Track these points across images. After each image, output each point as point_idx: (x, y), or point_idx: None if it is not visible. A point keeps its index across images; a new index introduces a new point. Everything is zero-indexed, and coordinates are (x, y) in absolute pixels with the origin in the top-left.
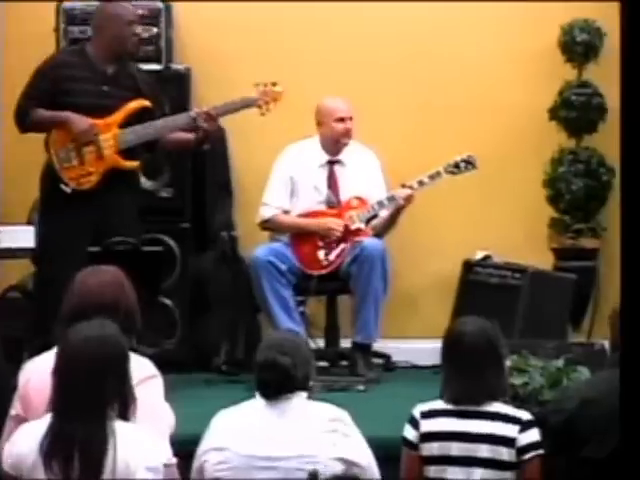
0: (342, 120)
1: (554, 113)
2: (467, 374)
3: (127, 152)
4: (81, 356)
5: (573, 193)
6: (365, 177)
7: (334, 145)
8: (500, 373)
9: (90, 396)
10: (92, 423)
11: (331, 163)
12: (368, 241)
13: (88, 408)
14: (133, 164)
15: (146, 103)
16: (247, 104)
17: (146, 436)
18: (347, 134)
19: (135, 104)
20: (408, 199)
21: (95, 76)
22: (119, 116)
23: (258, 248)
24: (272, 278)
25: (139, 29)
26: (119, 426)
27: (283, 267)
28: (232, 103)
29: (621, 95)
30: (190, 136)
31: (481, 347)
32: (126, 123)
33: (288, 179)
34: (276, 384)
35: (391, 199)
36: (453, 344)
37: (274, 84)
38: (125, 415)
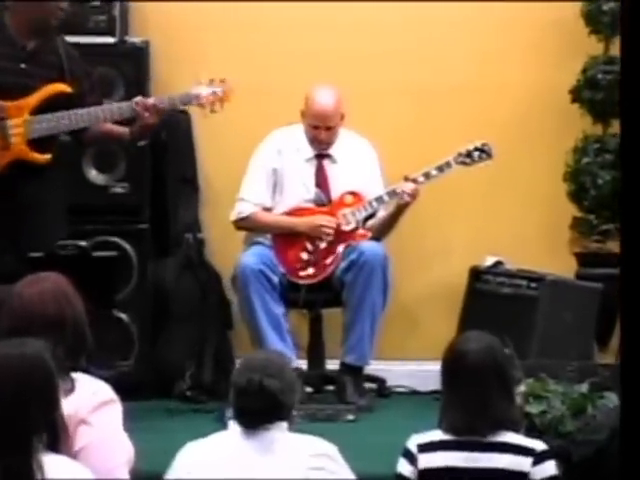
0: (316, 128)
1: (577, 94)
2: (469, 400)
3: (39, 143)
4: None
5: (599, 188)
6: (360, 172)
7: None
8: (509, 400)
9: (11, 425)
10: (14, 457)
11: (319, 157)
12: (367, 245)
13: (9, 439)
14: (43, 157)
15: (64, 88)
16: (187, 102)
17: (83, 470)
18: (318, 143)
19: (51, 89)
20: (413, 195)
21: (13, 52)
22: (32, 100)
23: (245, 254)
24: (264, 292)
25: (65, 3)
26: (49, 460)
27: (275, 279)
28: (170, 99)
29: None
30: (124, 130)
31: (486, 368)
32: (42, 108)
33: (271, 171)
34: (262, 412)
35: (392, 194)
36: (453, 364)
37: (222, 80)
38: (55, 447)
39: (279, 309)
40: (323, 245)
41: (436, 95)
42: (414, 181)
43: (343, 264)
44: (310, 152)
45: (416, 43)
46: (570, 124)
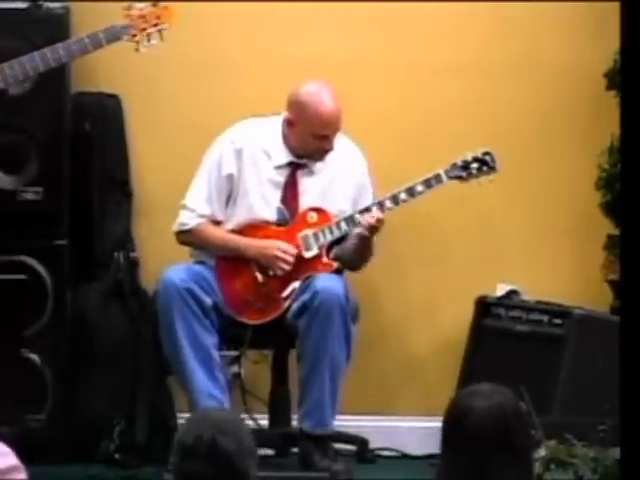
0: (324, 138)
1: (613, 79)
2: (470, 471)
3: None
4: None
5: None
6: (344, 192)
7: (303, 155)
8: (523, 470)
9: None
10: None
11: (294, 166)
12: (322, 282)
13: None
14: None
15: None
16: (115, 36)
17: None
18: (323, 154)
19: None
20: (372, 228)
21: None
22: None
23: (171, 268)
24: (190, 316)
25: None
26: None
27: (208, 302)
28: (92, 38)
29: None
30: None
31: (490, 435)
32: None
33: (225, 177)
34: (213, 477)
35: (351, 221)
36: (453, 426)
37: (154, 4)
38: None
39: (210, 340)
40: (276, 276)
41: (442, 75)
42: (380, 207)
43: (295, 305)
44: (284, 157)
45: (418, 22)
46: (605, 116)
